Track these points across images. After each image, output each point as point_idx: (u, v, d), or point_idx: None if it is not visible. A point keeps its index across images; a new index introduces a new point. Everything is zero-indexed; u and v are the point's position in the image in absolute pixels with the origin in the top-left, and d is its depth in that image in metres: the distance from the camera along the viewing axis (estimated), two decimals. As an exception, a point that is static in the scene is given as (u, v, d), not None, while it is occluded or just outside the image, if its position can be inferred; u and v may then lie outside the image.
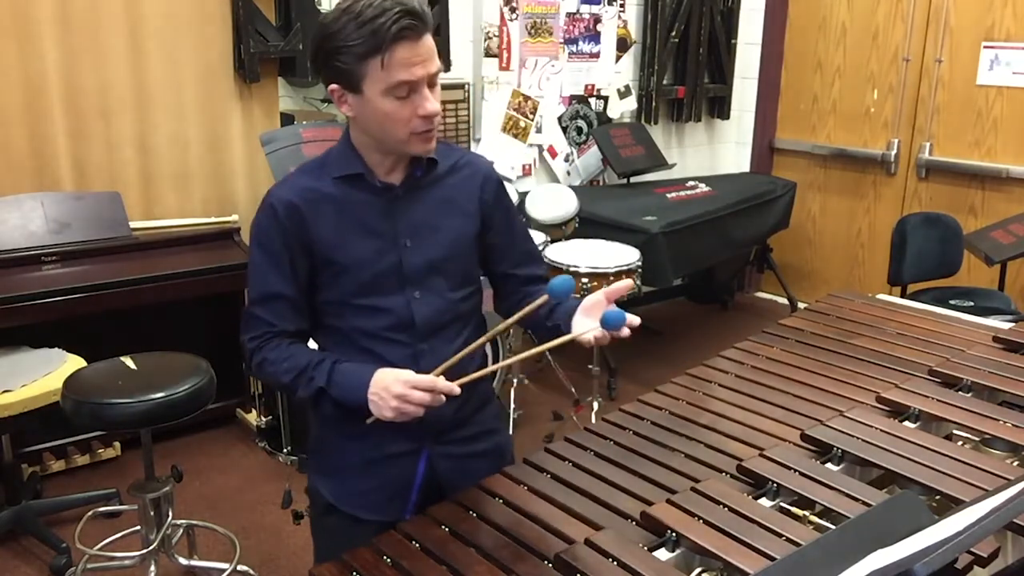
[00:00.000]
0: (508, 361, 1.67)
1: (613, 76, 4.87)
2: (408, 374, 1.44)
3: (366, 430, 1.53)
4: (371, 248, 1.53)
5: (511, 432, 3.48)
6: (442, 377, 1.45)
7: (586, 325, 1.48)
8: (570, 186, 4.43)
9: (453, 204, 1.59)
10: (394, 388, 1.42)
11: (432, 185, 1.58)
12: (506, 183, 1.93)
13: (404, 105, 1.43)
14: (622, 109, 4.97)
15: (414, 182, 1.56)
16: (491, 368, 1.54)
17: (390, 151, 1.51)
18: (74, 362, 2.85)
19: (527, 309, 1.52)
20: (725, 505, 1.42)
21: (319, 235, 1.51)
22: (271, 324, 1.55)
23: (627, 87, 4.96)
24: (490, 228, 1.64)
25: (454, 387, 1.43)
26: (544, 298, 1.48)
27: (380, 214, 1.54)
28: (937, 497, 1.48)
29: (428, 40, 1.42)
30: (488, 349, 1.75)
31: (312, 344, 1.62)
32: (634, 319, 1.46)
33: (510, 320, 1.55)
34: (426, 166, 1.56)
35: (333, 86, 1.46)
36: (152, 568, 2.49)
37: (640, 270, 3.56)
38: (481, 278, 1.69)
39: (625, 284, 1.49)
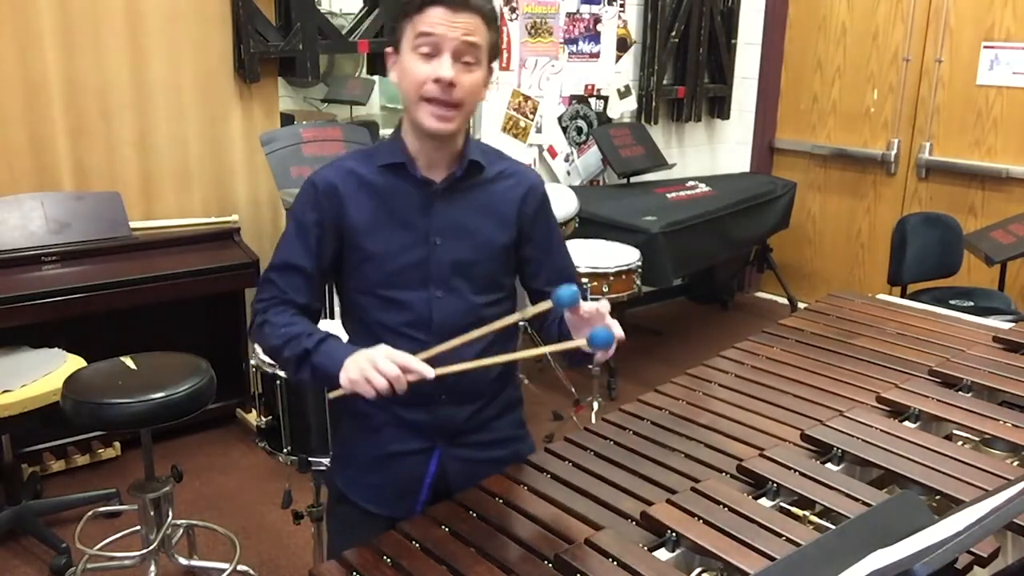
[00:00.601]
0: (503, 358, 1.53)
1: (613, 76, 4.87)
2: (392, 349, 1.40)
3: (381, 425, 1.54)
4: (401, 240, 1.54)
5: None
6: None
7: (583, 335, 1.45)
8: (570, 186, 4.43)
9: (491, 210, 1.59)
10: (369, 352, 1.39)
11: (473, 188, 1.58)
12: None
13: (424, 64, 1.45)
14: (622, 109, 4.97)
15: (455, 182, 1.56)
16: (476, 363, 1.44)
17: (414, 123, 1.51)
18: (74, 362, 2.84)
19: (529, 312, 1.52)
20: (725, 505, 1.42)
21: (353, 219, 1.54)
22: (283, 292, 1.57)
23: (627, 87, 4.96)
24: (528, 241, 1.63)
25: (427, 370, 1.38)
26: (547, 305, 1.46)
27: (416, 208, 1.55)
28: (937, 497, 1.48)
29: (467, 17, 1.44)
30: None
31: (341, 333, 1.62)
32: (620, 335, 1.42)
33: (511, 319, 1.52)
34: (468, 168, 1.56)
35: (388, 48, 1.53)
36: (152, 568, 2.49)
37: (640, 270, 3.56)
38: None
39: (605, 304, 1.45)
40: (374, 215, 1.54)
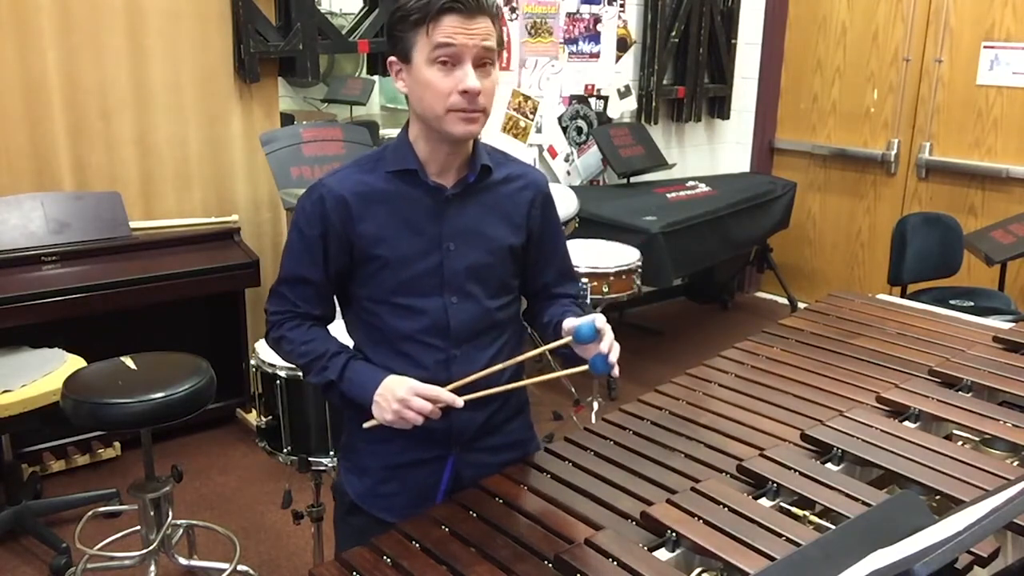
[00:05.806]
0: (523, 383, 1.61)
1: (613, 76, 4.87)
2: (416, 382, 1.45)
3: (394, 434, 1.54)
4: (415, 247, 1.53)
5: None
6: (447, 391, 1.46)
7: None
8: (570, 186, 4.43)
9: (502, 213, 1.59)
10: (398, 392, 1.44)
11: (483, 192, 1.58)
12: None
13: (446, 77, 1.43)
14: (622, 109, 4.97)
15: (466, 187, 1.55)
16: (500, 388, 1.52)
17: (435, 133, 1.50)
18: (74, 362, 2.84)
19: (546, 348, 1.55)
20: (725, 505, 1.42)
21: (365, 231, 1.52)
22: (295, 304, 1.58)
23: (627, 87, 4.96)
24: (536, 242, 1.64)
25: (457, 400, 1.44)
26: (567, 339, 1.49)
27: (428, 214, 1.54)
28: (937, 497, 1.48)
29: (482, 22, 1.43)
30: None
31: (347, 339, 1.63)
32: (613, 360, 1.46)
33: (531, 353, 1.57)
34: (480, 172, 1.56)
35: (391, 58, 1.50)
36: (152, 568, 2.49)
37: (640, 270, 3.56)
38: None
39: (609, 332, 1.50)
40: (386, 223, 1.52)
